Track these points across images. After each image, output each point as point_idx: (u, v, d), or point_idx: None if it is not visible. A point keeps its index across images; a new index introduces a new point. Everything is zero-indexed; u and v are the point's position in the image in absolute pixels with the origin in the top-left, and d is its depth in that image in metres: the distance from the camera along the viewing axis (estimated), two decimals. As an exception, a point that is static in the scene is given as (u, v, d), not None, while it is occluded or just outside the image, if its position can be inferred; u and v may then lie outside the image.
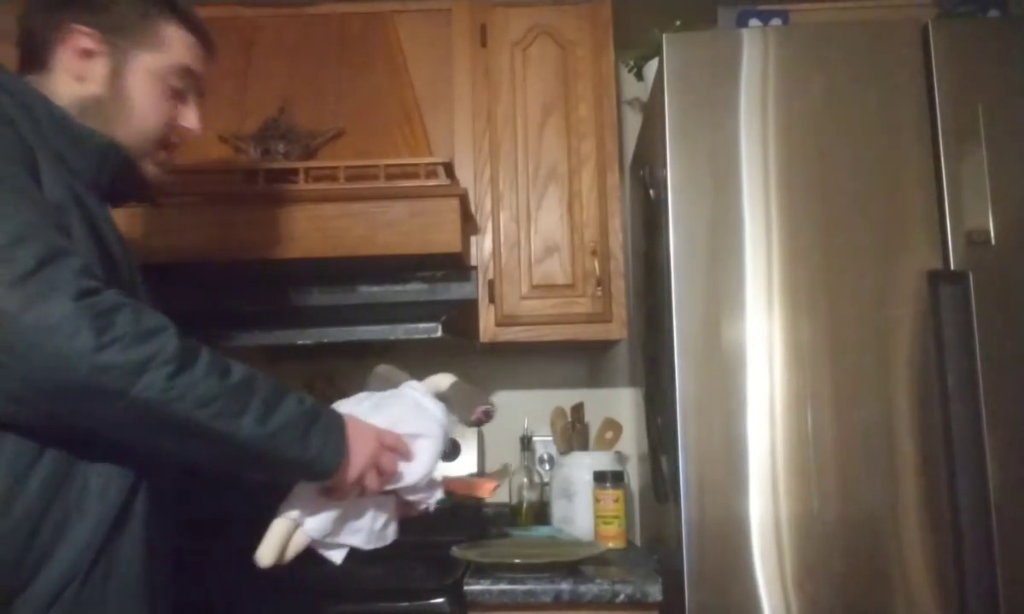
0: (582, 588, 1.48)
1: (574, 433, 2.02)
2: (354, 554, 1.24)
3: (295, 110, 1.86)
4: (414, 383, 1.22)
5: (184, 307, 1.76)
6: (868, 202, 1.40)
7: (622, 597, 1.48)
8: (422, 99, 1.92)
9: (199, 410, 0.89)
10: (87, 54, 1.05)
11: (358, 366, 2.14)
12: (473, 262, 1.89)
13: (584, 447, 2.01)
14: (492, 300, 1.88)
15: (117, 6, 1.07)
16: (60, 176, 0.97)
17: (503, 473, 1.72)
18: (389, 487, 1.12)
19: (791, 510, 1.34)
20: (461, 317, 1.84)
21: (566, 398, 2.08)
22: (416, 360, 2.16)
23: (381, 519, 1.14)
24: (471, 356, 2.13)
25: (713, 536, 1.35)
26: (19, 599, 0.88)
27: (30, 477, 0.89)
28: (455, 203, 1.71)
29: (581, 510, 1.89)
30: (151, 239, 1.68)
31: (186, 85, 1.13)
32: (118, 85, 1.07)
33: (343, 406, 1.15)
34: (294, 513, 1.08)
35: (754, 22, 1.87)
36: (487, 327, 1.88)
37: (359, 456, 1.04)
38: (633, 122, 2.18)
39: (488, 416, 1.23)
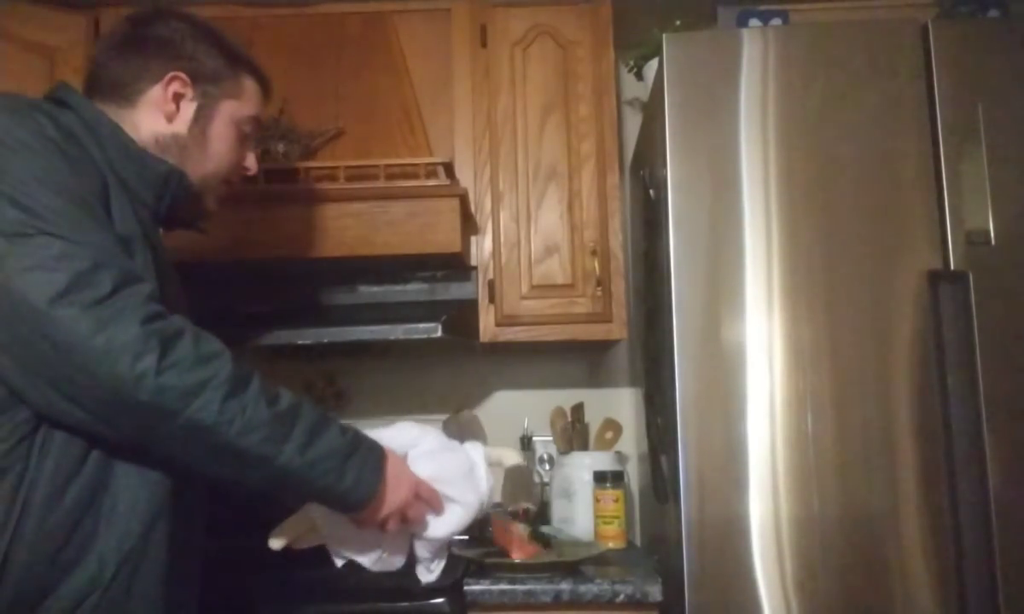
0: (582, 588, 1.48)
1: (574, 433, 2.02)
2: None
3: (295, 110, 1.86)
4: (479, 445, 1.24)
5: (183, 307, 1.78)
6: (868, 202, 1.40)
7: (622, 597, 1.48)
8: (422, 99, 1.92)
9: (246, 434, 0.95)
10: (179, 97, 1.15)
11: (358, 366, 2.16)
12: (473, 262, 1.89)
13: (584, 447, 2.01)
14: (492, 300, 1.88)
15: (213, 59, 1.17)
16: (127, 204, 1.03)
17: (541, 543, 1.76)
18: (409, 531, 1.16)
19: (791, 510, 1.34)
20: (461, 317, 1.84)
21: (566, 398, 2.08)
22: (416, 360, 2.18)
23: (392, 549, 1.17)
24: (471, 356, 2.13)
25: (713, 536, 1.35)
26: (45, 603, 0.92)
27: (68, 490, 0.93)
28: (455, 203, 1.71)
29: (581, 510, 1.89)
30: (151, 239, 1.68)
31: (252, 131, 1.24)
32: (202, 127, 1.16)
33: (405, 432, 1.20)
34: (315, 515, 1.12)
35: (754, 22, 1.87)
36: (487, 327, 1.88)
37: (391, 499, 1.08)
38: (633, 122, 2.18)
39: (526, 516, 1.35)
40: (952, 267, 1.37)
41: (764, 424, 1.36)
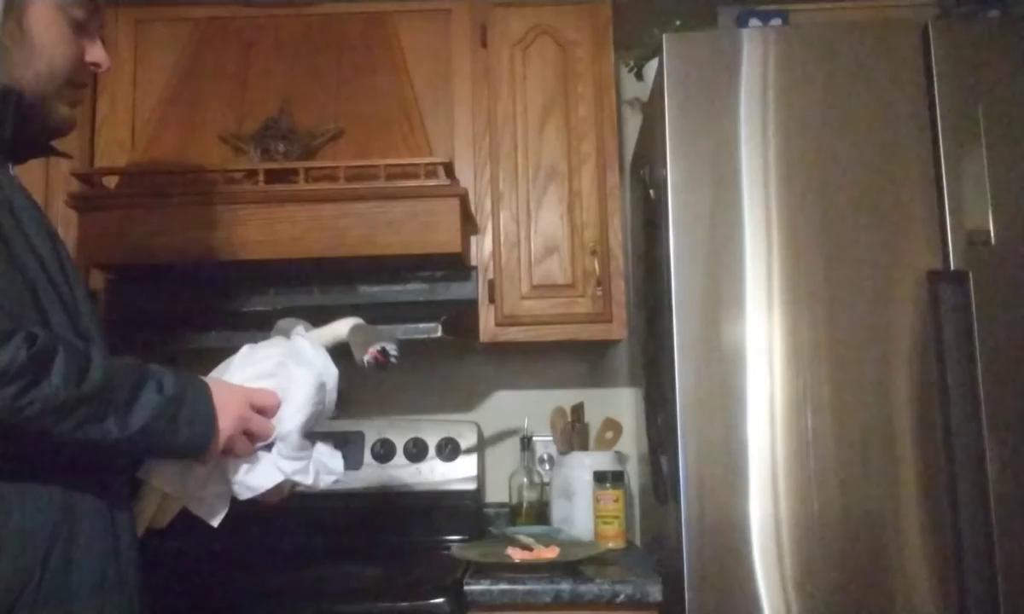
0: (582, 588, 1.48)
1: (574, 433, 2.02)
2: (354, 553, 1.25)
3: (295, 110, 1.86)
4: (301, 330, 1.17)
5: (184, 307, 1.79)
6: (868, 202, 1.40)
7: (622, 597, 1.48)
8: (422, 99, 1.92)
9: (59, 423, 0.86)
10: None
11: (358, 366, 2.16)
12: (473, 262, 1.89)
13: (584, 447, 2.01)
14: (492, 300, 1.88)
15: None
16: None
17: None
18: (261, 445, 1.08)
19: (791, 510, 1.34)
20: (461, 317, 1.84)
21: (566, 398, 2.08)
22: (416, 360, 2.17)
23: (250, 470, 1.09)
24: (471, 356, 2.13)
25: (713, 536, 1.35)
26: None
27: None
28: (455, 203, 1.71)
29: (581, 510, 1.89)
30: (151, 239, 1.68)
31: (88, 18, 1.06)
32: (17, 20, 1.00)
33: (219, 369, 1.13)
34: (159, 482, 1.05)
35: (754, 22, 1.87)
36: (487, 327, 1.88)
37: (225, 425, 1.01)
38: (633, 122, 2.18)
39: (386, 356, 1.16)
40: (952, 267, 1.37)
41: (764, 424, 1.36)
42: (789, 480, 1.35)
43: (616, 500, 1.83)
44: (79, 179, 1.72)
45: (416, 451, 2.03)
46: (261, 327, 1.77)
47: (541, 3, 1.95)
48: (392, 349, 1.16)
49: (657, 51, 1.55)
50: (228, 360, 1.14)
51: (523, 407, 2.14)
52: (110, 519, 0.96)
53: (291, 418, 1.07)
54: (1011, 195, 1.38)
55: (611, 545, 1.79)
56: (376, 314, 1.80)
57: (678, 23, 1.81)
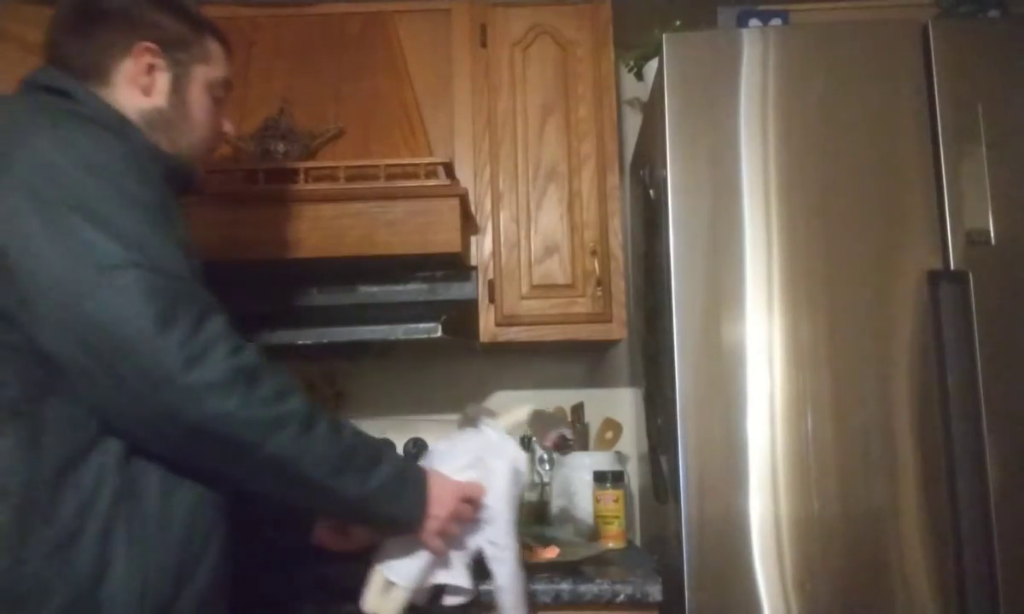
0: (582, 588, 1.48)
1: (574, 433, 2.02)
2: (354, 553, 1.26)
3: (295, 110, 1.86)
4: (490, 421, 1.30)
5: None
6: (868, 202, 1.40)
7: (622, 597, 1.48)
8: (422, 99, 1.92)
9: (315, 468, 1.00)
10: (151, 68, 1.12)
11: (358, 366, 2.16)
12: (473, 262, 1.89)
13: (584, 447, 2.01)
14: (492, 300, 1.88)
15: (176, 25, 1.16)
16: (171, 199, 1.05)
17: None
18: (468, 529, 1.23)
19: (791, 510, 1.34)
20: (461, 317, 1.84)
21: (566, 398, 2.08)
22: (416, 360, 2.18)
23: (466, 558, 1.24)
24: (471, 356, 2.13)
25: (713, 536, 1.35)
26: (179, 600, 0.97)
27: (174, 502, 0.98)
28: (455, 203, 1.71)
29: (581, 510, 1.89)
30: (151, 239, 1.68)
31: (225, 95, 1.25)
32: (181, 97, 1.16)
33: (432, 457, 1.27)
34: (386, 572, 1.20)
35: (754, 22, 1.87)
36: (487, 327, 1.88)
37: (441, 512, 1.15)
38: (633, 122, 2.18)
39: (564, 441, 1.35)
40: (952, 267, 1.37)
41: (764, 424, 1.36)
42: (789, 479, 1.35)
43: (616, 500, 1.83)
44: (79, 179, 1.72)
45: (416, 451, 2.03)
46: (261, 328, 1.79)
47: (541, 3, 1.95)
48: (568, 434, 1.40)
49: (657, 51, 1.55)
50: (428, 453, 1.30)
51: (523, 407, 2.14)
52: (230, 521, 1.10)
53: (495, 505, 1.22)
54: (1011, 195, 1.38)
55: (611, 545, 1.79)
56: (376, 314, 1.81)
57: (678, 23, 1.81)
